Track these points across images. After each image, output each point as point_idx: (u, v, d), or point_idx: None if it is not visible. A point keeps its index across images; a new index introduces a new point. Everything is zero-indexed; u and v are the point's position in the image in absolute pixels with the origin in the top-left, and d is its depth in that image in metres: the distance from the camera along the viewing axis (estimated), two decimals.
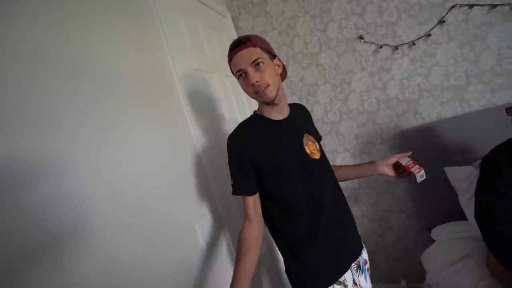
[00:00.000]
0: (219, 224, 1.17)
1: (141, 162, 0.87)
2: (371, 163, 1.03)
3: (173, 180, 0.99)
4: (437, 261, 1.23)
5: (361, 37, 1.63)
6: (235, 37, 1.85)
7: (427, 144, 1.50)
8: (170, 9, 1.27)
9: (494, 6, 1.38)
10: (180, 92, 1.16)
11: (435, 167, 1.46)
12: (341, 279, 0.85)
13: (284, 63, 1.80)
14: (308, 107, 1.81)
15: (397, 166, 1.00)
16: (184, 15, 1.37)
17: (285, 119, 0.91)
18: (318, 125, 1.83)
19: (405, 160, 0.97)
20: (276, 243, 0.93)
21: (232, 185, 0.88)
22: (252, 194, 0.86)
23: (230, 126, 1.46)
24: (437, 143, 1.49)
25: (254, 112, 0.93)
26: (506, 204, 0.92)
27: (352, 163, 1.78)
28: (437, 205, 1.48)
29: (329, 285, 0.83)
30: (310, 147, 0.90)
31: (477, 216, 1.01)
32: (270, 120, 0.88)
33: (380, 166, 1.00)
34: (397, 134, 1.63)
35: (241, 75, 0.82)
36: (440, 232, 1.40)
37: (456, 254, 1.16)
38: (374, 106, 1.67)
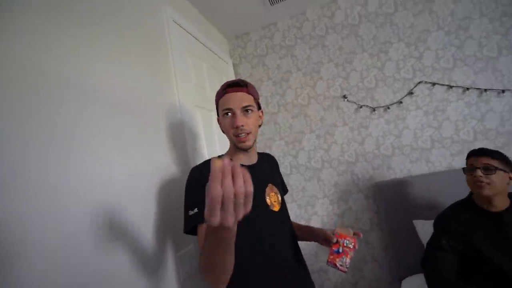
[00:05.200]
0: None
1: (133, 184, 0.91)
2: (321, 231, 0.97)
3: (164, 206, 1.02)
4: None
5: (344, 97, 1.86)
6: None
7: (398, 197, 1.65)
8: (182, 50, 1.42)
9: (450, 86, 1.68)
10: (181, 122, 1.25)
11: (405, 219, 1.59)
12: None
13: (275, 110, 1.99)
14: (294, 153, 1.96)
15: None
16: (193, 56, 1.52)
17: (252, 165, 0.90)
18: (301, 170, 1.95)
19: (346, 241, 0.89)
20: None
21: (194, 215, 0.74)
22: None
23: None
24: (408, 197, 1.64)
25: (222, 155, 0.93)
26: (441, 258, 1.13)
27: (328, 210, 1.87)
28: (407, 256, 1.56)
29: None
30: (272, 198, 0.88)
31: (420, 263, 1.19)
32: (242, 164, 0.86)
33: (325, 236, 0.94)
34: (372, 185, 1.77)
35: (227, 113, 0.84)
36: (410, 284, 1.46)
37: None
38: (353, 158, 1.84)
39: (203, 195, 0.63)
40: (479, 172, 1.10)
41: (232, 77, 2.05)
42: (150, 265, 0.89)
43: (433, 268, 1.16)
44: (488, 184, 1.09)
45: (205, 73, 1.65)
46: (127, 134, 0.92)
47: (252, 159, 0.91)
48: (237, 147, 0.86)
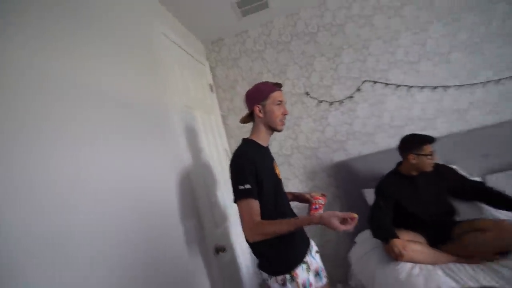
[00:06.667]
0: (201, 225, 1.46)
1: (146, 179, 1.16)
2: (301, 195, 1.40)
3: (166, 191, 1.28)
4: (356, 254, 1.73)
5: (307, 93, 2.24)
6: (211, 82, 2.29)
7: (353, 172, 2.08)
8: (170, 58, 1.65)
9: (387, 84, 2.14)
10: (174, 121, 1.49)
11: (357, 189, 2.02)
12: (304, 260, 1.17)
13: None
14: None
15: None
16: (178, 63, 1.76)
17: (267, 146, 1.27)
18: (274, 157, 2.29)
19: (319, 201, 1.30)
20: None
21: (245, 190, 1.04)
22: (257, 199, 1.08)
23: (207, 153, 1.81)
24: (359, 172, 2.08)
25: (246, 139, 1.24)
26: (379, 212, 1.60)
27: (299, 188, 2.25)
28: (360, 217, 1.99)
29: (299, 264, 1.14)
30: (277, 170, 1.26)
31: (366, 220, 1.63)
32: (260, 145, 1.22)
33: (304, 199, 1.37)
34: (332, 165, 2.19)
35: (279, 104, 1.18)
36: (361, 237, 1.90)
37: (368, 247, 1.67)
38: (316, 144, 2.23)
39: (251, 174, 1.07)
40: (435, 155, 1.59)
41: (210, 79, 2.31)
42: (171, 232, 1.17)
43: (374, 221, 1.59)
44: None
45: (188, 77, 1.89)
46: (136, 133, 1.16)
47: (268, 141, 1.27)
48: (274, 129, 1.21)
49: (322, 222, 1.00)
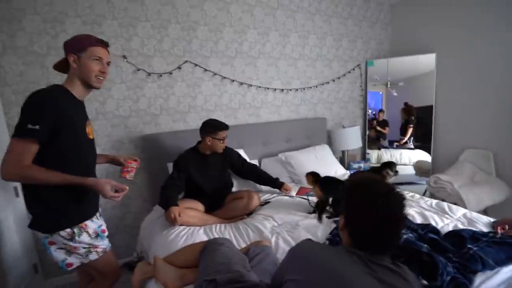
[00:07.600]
0: None
1: None
2: (114, 158, 1.46)
3: None
4: (145, 223, 1.85)
5: (124, 57, 2.06)
6: None
7: (160, 146, 2.14)
8: None
9: (206, 70, 2.34)
10: None
11: (162, 163, 2.11)
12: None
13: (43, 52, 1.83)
14: None
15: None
16: None
17: (82, 101, 1.23)
18: None
19: (131, 164, 1.38)
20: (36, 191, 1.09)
21: (31, 130, 0.98)
22: (40, 144, 1.03)
23: None
24: (166, 147, 2.17)
25: (58, 84, 1.14)
26: (170, 183, 1.78)
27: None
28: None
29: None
30: (89, 129, 1.24)
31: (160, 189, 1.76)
32: (74, 96, 1.16)
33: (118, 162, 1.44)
34: (141, 137, 2.16)
35: (97, 59, 1.13)
36: (156, 207, 2.02)
37: (156, 216, 1.81)
38: (127, 113, 2.12)
39: (50, 118, 1.02)
40: (226, 140, 1.88)
41: None
42: None
43: (162, 190, 1.73)
44: None
45: None
46: None
47: (84, 97, 1.24)
48: (91, 86, 1.17)
49: (95, 185, 1.09)
